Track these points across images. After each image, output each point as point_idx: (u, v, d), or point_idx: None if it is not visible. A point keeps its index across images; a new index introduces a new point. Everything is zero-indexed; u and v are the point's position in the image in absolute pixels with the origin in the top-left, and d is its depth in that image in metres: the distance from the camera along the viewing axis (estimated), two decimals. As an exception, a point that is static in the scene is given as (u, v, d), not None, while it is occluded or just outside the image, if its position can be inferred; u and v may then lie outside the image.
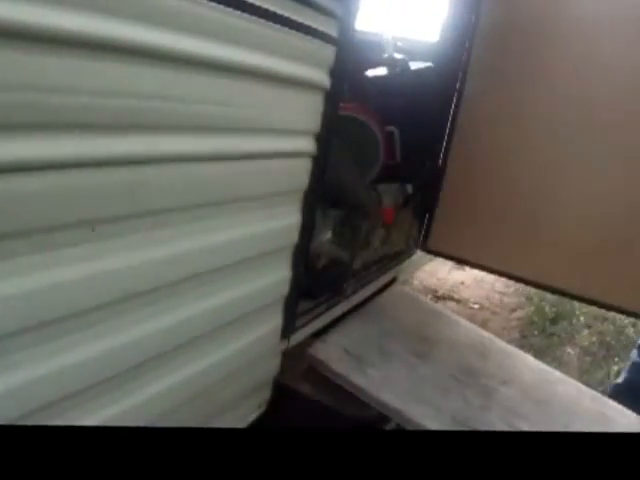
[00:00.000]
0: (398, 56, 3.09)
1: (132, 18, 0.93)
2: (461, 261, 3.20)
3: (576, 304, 4.55)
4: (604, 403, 2.40)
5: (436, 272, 4.63)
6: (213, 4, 1.09)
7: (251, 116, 1.33)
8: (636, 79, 2.39)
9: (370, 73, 3.09)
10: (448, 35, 2.85)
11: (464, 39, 2.73)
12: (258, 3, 1.21)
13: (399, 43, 3.24)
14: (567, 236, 2.58)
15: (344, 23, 1.57)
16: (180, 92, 1.09)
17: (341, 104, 2.65)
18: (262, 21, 1.24)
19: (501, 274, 3.03)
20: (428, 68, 3.01)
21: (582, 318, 4.38)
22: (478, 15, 2.68)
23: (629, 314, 2.86)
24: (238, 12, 1.16)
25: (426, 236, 2.93)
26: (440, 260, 4.55)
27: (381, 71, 3.09)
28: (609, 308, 2.80)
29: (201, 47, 1.10)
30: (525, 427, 2.04)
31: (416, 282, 4.35)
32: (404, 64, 3.07)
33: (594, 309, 4.55)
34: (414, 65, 3.08)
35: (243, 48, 1.22)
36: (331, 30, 1.53)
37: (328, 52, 1.55)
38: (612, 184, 2.45)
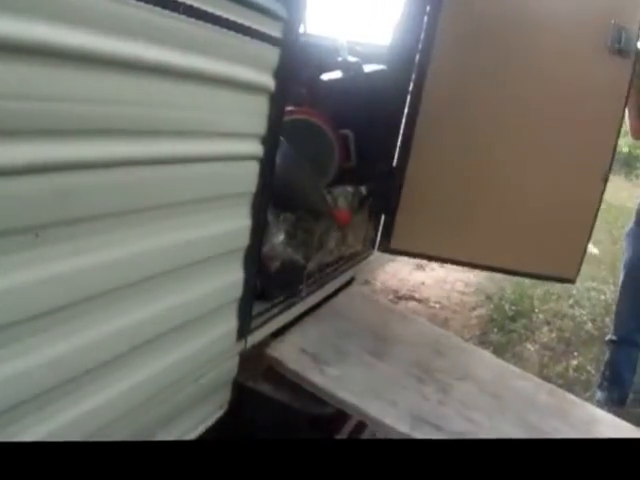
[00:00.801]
0: (352, 59, 3.15)
1: (57, 20, 0.93)
2: (424, 257, 3.35)
3: (536, 302, 4.66)
4: (561, 396, 2.46)
5: (397, 273, 4.69)
6: (150, 6, 1.11)
7: (192, 119, 1.35)
8: (563, 86, 2.75)
9: (325, 77, 3.15)
10: (399, 38, 2.90)
11: (416, 41, 2.77)
12: (197, 5, 1.23)
13: (356, 47, 3.31)
14: (501, 221, 2.90)
15: (288, 24, 1.59)
16: (118, 96, 1.11)
17: (296, 108, 2.72)
18: (201, 23, 1.26)
19: (459, 263, 3.30)
20: (381, 71, 3.06)
21: (541, 315, 4.48)
22: (432, 17, 2.74)
23: (548, 278, 3.43)
24: (175, 14, 1.17)
25: (387, 236, 2.96)
26: (401, 261, 4.63)
27: (336, 74, 3.15)
28: (535, 277, 3.39)
29: (136, 50, 1.11)
30: (481, 420, 2.08)
31: (378, 283, 4.40)
32: (358, 67, 3.13)
33: (554, 306, 4.67)
34: (368, 68, 3.14)
35: (180, 50, 1.23)
36: (275, 32, 1.55)
37: (272, 54, 1.58)
38: (536, 176, 2.86)
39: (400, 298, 4.29)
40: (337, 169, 2.89)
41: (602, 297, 4.92)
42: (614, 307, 4.52)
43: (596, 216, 2.91)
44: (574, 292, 4.94)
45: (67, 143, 1.03)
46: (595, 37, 2.68)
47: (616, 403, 3.16)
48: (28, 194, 0.98)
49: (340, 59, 3.15)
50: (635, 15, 2.69)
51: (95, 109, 1.07)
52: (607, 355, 3.39)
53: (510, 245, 2.94)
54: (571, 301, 4.85)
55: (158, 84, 1.21)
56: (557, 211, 2.88)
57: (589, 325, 4.40)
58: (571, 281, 3.12)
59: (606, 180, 2.87)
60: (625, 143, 18.06)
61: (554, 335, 4.20)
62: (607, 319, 4.39)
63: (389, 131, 2.85)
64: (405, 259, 4.74)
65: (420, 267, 5.02)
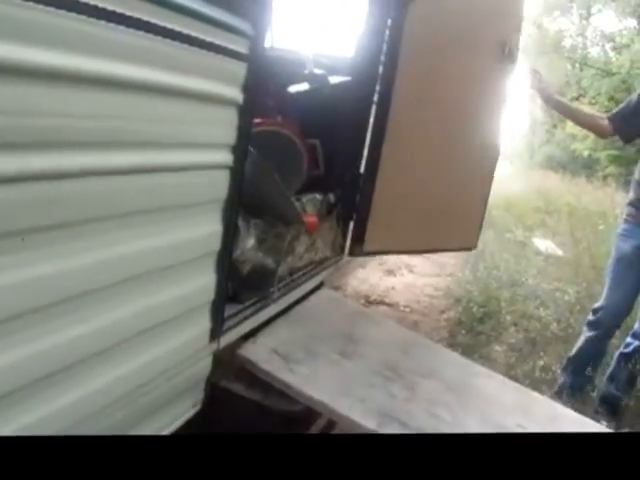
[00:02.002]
0: (318, 72, 3.25)
1: (33, 40, 1.02)
2: (391, 253, 3.77)
3: (503, 304, 4.77)
4: (525, 394, 2.54)
5: (368, 279, 4.78)
6: (123, 27, 1.20)
7: (165, 131, 1.44)
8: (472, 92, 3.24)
9: (292, 89, 3.25)
10: (362, 50, 3.00)
11: (378, 53, 2.86)
12: (168, 25, 1.33)
13: (321, 59, 3.40)
14: (432, 209, 3.30)
15: (255, 41, 1.69)
16: (95, 110, 1.19)
17: (265, 119, 2.81)
18: (172, 42, 1.36)
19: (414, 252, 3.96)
20: (346, 82, 3.15)
21: (508, 317, 4.57)
22: (394, 30, 2.86)
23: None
24: (148, 34, 1.27)
25: (359, 240, 3.06)
26: (371, 267, 4.73)
27: (303, 86, 3.25)
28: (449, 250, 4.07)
29: (110, 68, 1.20)
30: (446, 416, 2.16)
31: (349, 289, 4.48)
32: (324, 79, 3.22)
33: (520, 308, 4.78)
34: (333, 80, 3.24)
35: (153, 67, 1.33)
36: (241, 48, 1.64)
37: (239, 69, 1.67)
38: (456, 170, 3.33)
39: (371, 303, 4.38)
40: (305, 177, 2.98)
41: (566, 298, 5.03)
42: (578, 307, 4.69)
43: (489, 193, 3.62)
44: (540, 293, 5.07)
45: (52, 154, 1.12)
46: (492, 50, 3.26)
47: (576, 390, 3.29)
48: (16, 201, 1.06)
49: (306, 71, 3.25)
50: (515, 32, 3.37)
51: (75, 123, 1.16)
52: (580, 342, 3.50)
53: (437, 228, 3.40)
54: (537, 302, 4.95)
55: (133, 99, 1.30)
56: (465, 194, 3.46)
57: (554, 325, 4.48)
58: (472, 248, 3.93)
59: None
60: (585, 147, 18.45)
61: (521, 336, 4.29)
62: (572, 319, 4.51)
63: (355, 139, 2.94)
64: (375, 265, 4.86)
65: (390, 273, 5.12)
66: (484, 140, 3.42)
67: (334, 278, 3.27)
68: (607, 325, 3.36)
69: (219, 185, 1.72)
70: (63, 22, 1.08)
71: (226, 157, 1.71)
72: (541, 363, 3.83)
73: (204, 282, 1.78)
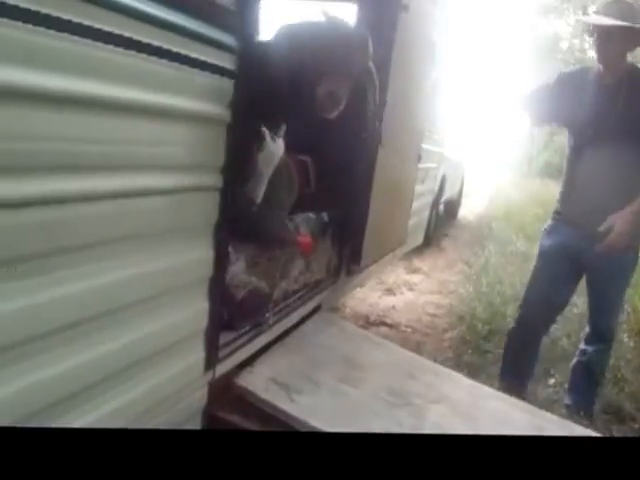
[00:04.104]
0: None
1: (12, 61, 1.02)
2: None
3: (509, 319, 4.72)
4: (535, 414, 2.53)
5: (367, 298, 4.77)
6: (100, 44, 1.19)
7: (151, 153, 1.44)
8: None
9: None
10: None
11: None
12: (152, 42, 1.33)
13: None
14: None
15: (241, 56, 1.68)
16: (78, 134, 1.19)
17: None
18: (153, 58, 1.35)
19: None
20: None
21: None
22: (387, 39, 2.90)
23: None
24: (129, 51, 1.27)
25: (356, 259, 3.10)
26: (370, 286, 4.72)
27: None
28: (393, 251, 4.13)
29: (91, 88, 1.20)
30: (456, 442, 2.15)
31: (347, 309, 4.48)
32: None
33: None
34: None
35: (137, 86, 1.33)
36: (228, 63, 1.64)
37: (226, 85, 1.67)
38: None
39: (371, 324, 4.35)
40: (297, 196, 2.95)
41: (575, 310, 5.00)
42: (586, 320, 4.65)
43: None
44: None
45: (40, 179, 1.12)
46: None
47: (516, 392, 3.24)
48: (6, 228, 1.07)
49: None
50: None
51: (60, 147, 1.16)
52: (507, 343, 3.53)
53: (392, 231, 3.77)
54: None
55: (118, 120, 1.30)
56: (401, 196, 3.87)
57: (564, 341, 4.43)
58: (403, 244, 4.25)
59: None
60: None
61: (529, 353, 4.25)
62: (582, 334, 4.47)
63: (347, 155, 2.93)
64: (374, 284, 4.84)
65: (390, 291, 5.12)
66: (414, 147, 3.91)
67: (332, 299, 3.27)
68: (529, 322, 3.40)
69: (209, 208, 1.72)
70: (44, 41, 1.08)
71: (215, 178, 1.70)
72: (552, 381, 3.79)
73: (197, 309, 1.77)
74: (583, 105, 2.99)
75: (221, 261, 1.81)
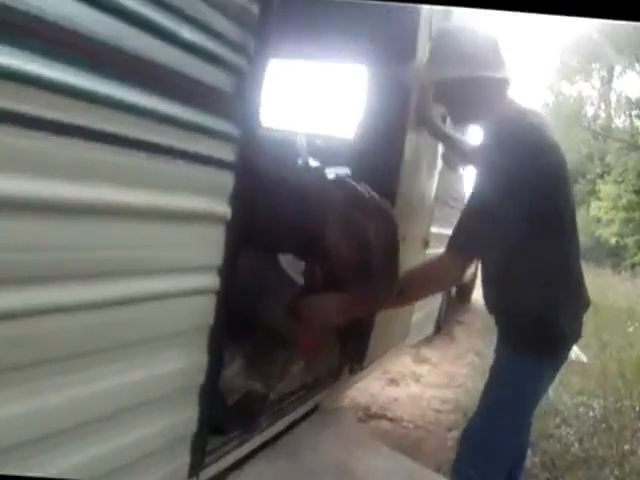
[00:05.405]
0: (313, 163, 3.18)
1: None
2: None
3: None
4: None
5: (368, 388, 4.67)
6: (93, 144, 1.16)
7: (145, 258, 1.40)
8: None
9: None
10: (365, 134, 3.07)
11: (387, 136, 2.94)
12: (147, 138, 1.30)
13: (316, 141, 3.39)
14: None
15: (242, 146, 1.64)
16: (66, 241, 1.17)
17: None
18: (151, 155, 1.32)
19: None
20: (346, 177, 3.13)
21: None
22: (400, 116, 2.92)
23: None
24: (125, 150, 1.25)
25: (360, 358, 3.06)
26: (373, 375, 4.64)
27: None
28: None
29: (84, 192, 1.17)
30: None
31: (347, 399, 4.36)
32: (320, 173, 3.14)
33: (539, 425, 4.63)
34: (330, 173, 3.20)
35: (132, 187, 1.30)
36: (227, 155, 1.60)
37: (226, 179, 1.62)
38: None
39: (370, 416, 4.27)
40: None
41: (591, 413, 4.92)
42: (603, 425, 4.56)
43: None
44: (562, 408, 4.94)
45: (28, 290, 1.10)
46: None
47: None
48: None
49: (300, 162, 3.17)
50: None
51: (50, 256, 1.13)
52: None
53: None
54: (558, 419, 4.79)
55: (110, 225, 1.27)
56: None
57: (576, 446, 4.31)
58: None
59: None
60: (611, 232, 18.28)
61: (537, 459, 4.13)
62: (595, 440, 4.39)
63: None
64: (377, 373, 4.78)
65: (394, 382, 5.05)
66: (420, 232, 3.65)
67: (331, 399, 3.20)
68: None
69: (205, 311, 1.66)
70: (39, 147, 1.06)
71: (212, 280, 1.65)
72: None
73: (186, 416, 1.71)
74: None
75: (214, 367, 1.75)
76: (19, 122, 1.00)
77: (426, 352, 5.80)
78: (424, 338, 5.14)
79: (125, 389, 1.43)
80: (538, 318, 2.21)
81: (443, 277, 2.45)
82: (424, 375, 5.38)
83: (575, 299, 2.37)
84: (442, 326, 4.91)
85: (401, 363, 5.38)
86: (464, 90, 2.30)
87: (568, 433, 4.57)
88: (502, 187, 2.11)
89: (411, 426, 4.28)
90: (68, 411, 1.27)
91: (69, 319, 1.21)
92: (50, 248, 1.14)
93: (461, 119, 2.66)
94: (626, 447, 4.24)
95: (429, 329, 5.10)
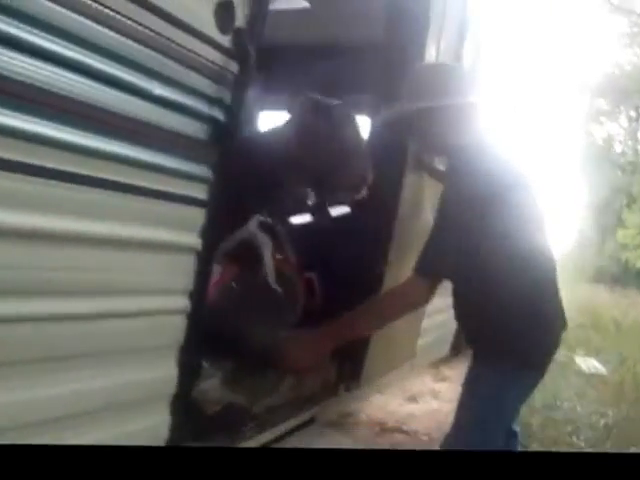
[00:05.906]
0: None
1: None
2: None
3: (534, 429, 4.66)
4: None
5: (387, 405, 4.81)
6: (68, 184, 1.39)
7: (116, 281, 1.61)
8: None
9: (294, 220, 3.34)
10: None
11: (385, 181, 3.12)
12: (124, 180, 1.52)
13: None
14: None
15: (215, 185, 1.84)
16: (42, 263, 1.39)
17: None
18: (127, 195, 1.54)
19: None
20: (347, 215, 3.29)
21: (535, 445, 4.41)
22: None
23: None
24: (101, 190, 1.47)
25: (356, 377, 3.18)
26: (392, 393, 4.74)
27: (305, 218, 3.34)
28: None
29: (61, 223, 1.40)
30: None
31: (363, 415, 4.50)
32: (324, 211, 3.28)
33: (552, 434, 4.71)
34: (334, 211, 3.30)
35: (107, 221, 1.51)
36: (200, 194, 1.80)
37: (197, 215, 1.81)
38: None
39: (386, 430, 4.36)
40: (301, 313, 3.04)
41: (603, 421, 5.02)
42: (615, 431, 4.63)
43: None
44: (575, 417, 5.05)
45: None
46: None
47: None
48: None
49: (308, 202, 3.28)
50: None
51: (27, 275, 1.36)
52: None
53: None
54: (571, 427, 4.90)
55: (85, 252, 1.50)
56: None
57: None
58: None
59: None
60: (637, 256, 18.18)
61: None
62: (608, 445, 4.46)
63: (355, 274, 3.13)
64: (396, 391, 4.90)
65: (412, 399, 5.14)
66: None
67: (328, 413, 3.28)
68: None
69: (174, 330, 1.84)
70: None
71: (182, 303, 1.84)
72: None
73: (156, 422, 1.87)
74: None
75: (185, 379, 1.91)
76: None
77: (446, 371, 5.87)
78: (440, 358, 5.27)
79: (93, 393, 1.61)
80: (510, 334, 2.35)
81: (411, 297, 2.51)
82: (442, 391, 5.46)
83: (548, 317, 2.50)
84: (460, 348, 4.95)
85: (421, 382, 5.48)
86: (425, 121, 2.51)
87: (581, 440, 4.68)
88: (463, 208, 2.31)
89: (425, 438, 4.35)
90: (29, 412, 1.44)
91: (50, 328, 1.44)
92: (34, 268, 1.38)
93: (428, 149, 2.97)
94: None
95: (444, 350, 5.19)
